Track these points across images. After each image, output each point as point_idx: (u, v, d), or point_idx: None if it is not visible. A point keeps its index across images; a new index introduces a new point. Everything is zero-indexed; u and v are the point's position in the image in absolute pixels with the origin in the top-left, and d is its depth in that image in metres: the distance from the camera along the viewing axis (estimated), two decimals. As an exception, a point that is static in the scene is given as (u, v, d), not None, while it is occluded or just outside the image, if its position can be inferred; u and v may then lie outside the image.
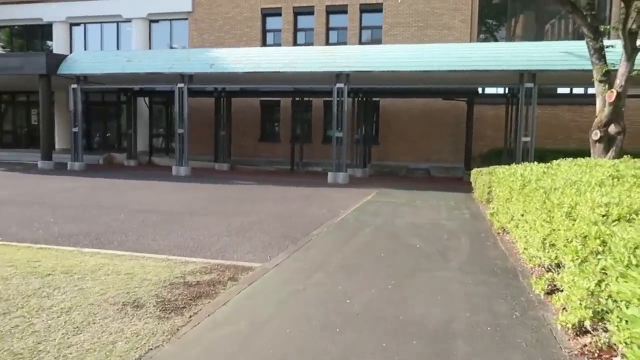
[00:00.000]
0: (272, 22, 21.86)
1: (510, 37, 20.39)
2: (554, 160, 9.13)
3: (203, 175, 16.94)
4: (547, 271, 4.99)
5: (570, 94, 19.68)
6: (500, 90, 19.70)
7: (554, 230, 4.10)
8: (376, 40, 20.48)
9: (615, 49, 11.62)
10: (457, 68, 14.37)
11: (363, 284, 4.51)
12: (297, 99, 20.05)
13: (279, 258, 5.44)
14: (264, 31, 21.84)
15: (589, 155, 11.01)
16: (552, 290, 4.35)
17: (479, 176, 12.43)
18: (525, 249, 5.40)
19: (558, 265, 4.23)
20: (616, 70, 10.53)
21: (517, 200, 5.71)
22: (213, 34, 22.01)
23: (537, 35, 19.92)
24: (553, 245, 4.06)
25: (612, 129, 10.60)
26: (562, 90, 19.68)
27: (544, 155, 15.26)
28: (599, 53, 10.72)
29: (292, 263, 5.23)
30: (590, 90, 19.26)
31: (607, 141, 10.74)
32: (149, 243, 6.13)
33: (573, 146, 18.42)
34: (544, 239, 4.31)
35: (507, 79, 15.22)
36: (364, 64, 15.21)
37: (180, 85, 16.72)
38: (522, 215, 5.54)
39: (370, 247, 6.15)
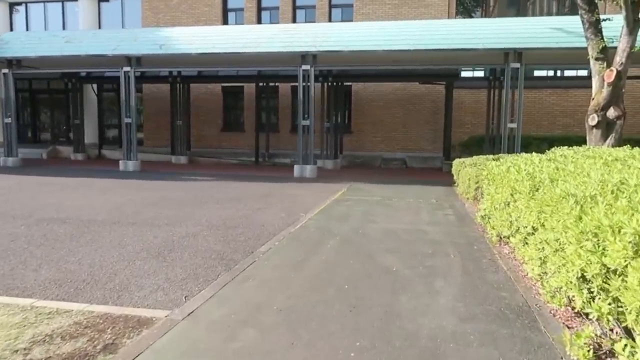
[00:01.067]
0: (233, 1, 19.96)
1: (490, 16, 18.99)
2: (554, 150, 7.73)
3: (154, 170, 15.12)
4: (578, 315, 3.52)
5: (554, 77, 18.44)
6: (480, 73, 18.34)
7: (605, 267, 2.61)
8: (347, 20, 18.83)
9: (612, 22, 10.26)
10: (436, 47, 12.87)
11: (313, 350, 2.95)
12: (261, 84, 18.31)
13: (199, 299, 3.83)
14: (225, 10, 19.93)
15: (578, 143, 9.71)
16: (600, 357, 2.87)
17: (462, 168, 11.01)
18: (540, 275, 3.93)
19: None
20: (614, 47, 9.21)
21: (527, 208, 4.21)
22: (168, 14, 19.99)
23: (520, 14, 18.57)
24: (608, 293, 2.56)
25: (611, 112, 9.29)
26: (540, 73, 18.43)
27: (528, 143, 13.96)
28: (595, 27, 9.36)
29: (214, 308, 3.63)
30: (568, 73, 18.17)
31: (606, 126, 9.44)
32: (26, 275, 4.44)
33: (558, 132, 17.24)
34: (588, 280, 2.82)
35: (490, 59, 13.80)
36: (333, 44, 13.56)
37: (127, 68, 14.78)
38: (535, 229, 4.06)
39: (331, 272, 4.59)
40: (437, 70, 16.48)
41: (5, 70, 15.53)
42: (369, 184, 12.14)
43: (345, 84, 18.14)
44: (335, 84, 17.31)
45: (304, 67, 13.71)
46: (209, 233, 6.29)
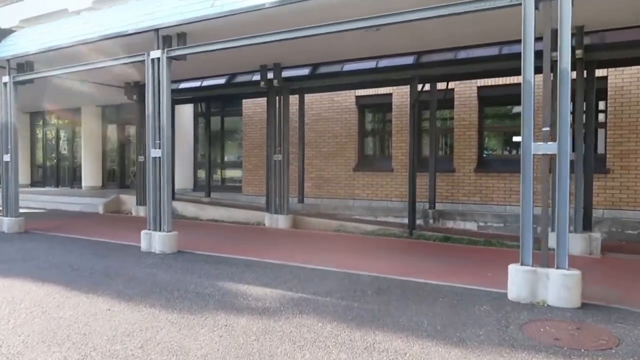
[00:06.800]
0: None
1: None
2: None
3: (209, 253, 7.47)
4: None
5: None
6: None
7: None
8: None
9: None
10: None
11: None
12: (421, 85, 9.75)
13: None
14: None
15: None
16: None
17: None
18: None
19: None
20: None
21: None
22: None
23: None
24: None
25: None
26: None
27: None
28: None
29: None
30: None
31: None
32: None
33: None
34: None
35: None
36: None
37: (155, 54, 7.65)
38: None
39: None
40: None
41: (5, 79, 9.71)
42: None
43: (596, 73, 8.53)
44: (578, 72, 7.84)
45: (541, -7, 4.89)
46: None
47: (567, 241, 4.87)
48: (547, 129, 5.02)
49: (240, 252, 7.62)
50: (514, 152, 11.10)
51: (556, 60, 4.95)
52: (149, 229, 7.77)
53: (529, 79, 5.01)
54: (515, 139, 11.24)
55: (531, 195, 5.02)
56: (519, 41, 5.09)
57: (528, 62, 4.98)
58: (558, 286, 4.78)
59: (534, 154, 5.00)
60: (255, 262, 6.88)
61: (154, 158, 7.70)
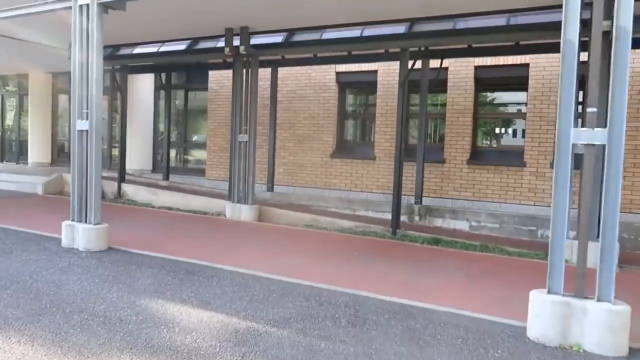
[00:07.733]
0: None
1: None
2: None
3: (149, 252, 5.99)
4: None
5: None
6: None
7: None
8: None
9: None
10: None
11: None
12: (412, 61, 8.30)
13: None
14: None
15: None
16: None
17: None
18: None
19: None
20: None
21: None
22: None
23: None
24: None
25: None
26: None
27: None
28: None
29: None
30: None
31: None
32: None
33: None
34: None
35: None
36: None
37: (84, -1, 6.08)
38: None
39: None
40: None
41: None
42: None
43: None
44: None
45: None
46: None
47: (614, 263, 3.58)
48: (594, 109, 3.70)
49: (187, 251, 6.18)
50: (513, 142, 9.86)
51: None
52: (72, 220, 6.24)
53: (571, 39, 3.67)
54: (497, 130, 10.08)
55: (567, 198, 3.71)
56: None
57: (572, 11, 3.64)
58: (599, 326, 3.50)
59: (573, 144, 3.68)
60: (201, 267, 5.45)
61: (80, 131, 6.14)
